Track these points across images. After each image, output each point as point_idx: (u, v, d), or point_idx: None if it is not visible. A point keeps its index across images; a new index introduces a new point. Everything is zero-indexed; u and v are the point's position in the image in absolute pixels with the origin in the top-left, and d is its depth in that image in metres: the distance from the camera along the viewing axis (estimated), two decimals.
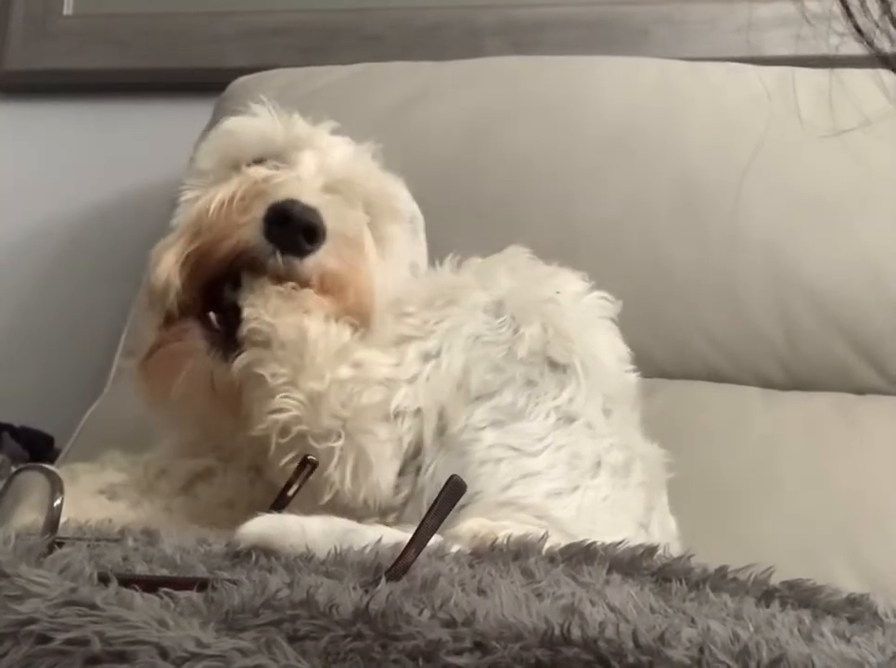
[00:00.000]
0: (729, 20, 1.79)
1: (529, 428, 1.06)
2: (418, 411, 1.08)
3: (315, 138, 1.20)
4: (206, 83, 1.84)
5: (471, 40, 1.85)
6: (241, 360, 1.08)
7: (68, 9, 2.00)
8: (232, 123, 1.22)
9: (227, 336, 1.10)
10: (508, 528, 0.95)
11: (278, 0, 1.94)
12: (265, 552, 0.78)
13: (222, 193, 1.11)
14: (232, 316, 1.09)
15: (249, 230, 1.08)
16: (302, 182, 1.13)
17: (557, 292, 1.17)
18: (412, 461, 1.09)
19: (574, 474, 1.05)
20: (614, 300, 1.21)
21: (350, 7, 1.91)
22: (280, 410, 1.06)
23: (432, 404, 1.09)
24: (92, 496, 1.15)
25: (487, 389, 1.08)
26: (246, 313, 1.08)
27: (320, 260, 1.10)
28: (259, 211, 1.09)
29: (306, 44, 1.89)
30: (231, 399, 1.10)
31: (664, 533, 1.14)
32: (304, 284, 1.10)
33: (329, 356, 1.08)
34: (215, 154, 1.21)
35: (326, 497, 1.04)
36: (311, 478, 0.96)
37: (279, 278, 1.09)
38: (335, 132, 1.24)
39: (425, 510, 0.90)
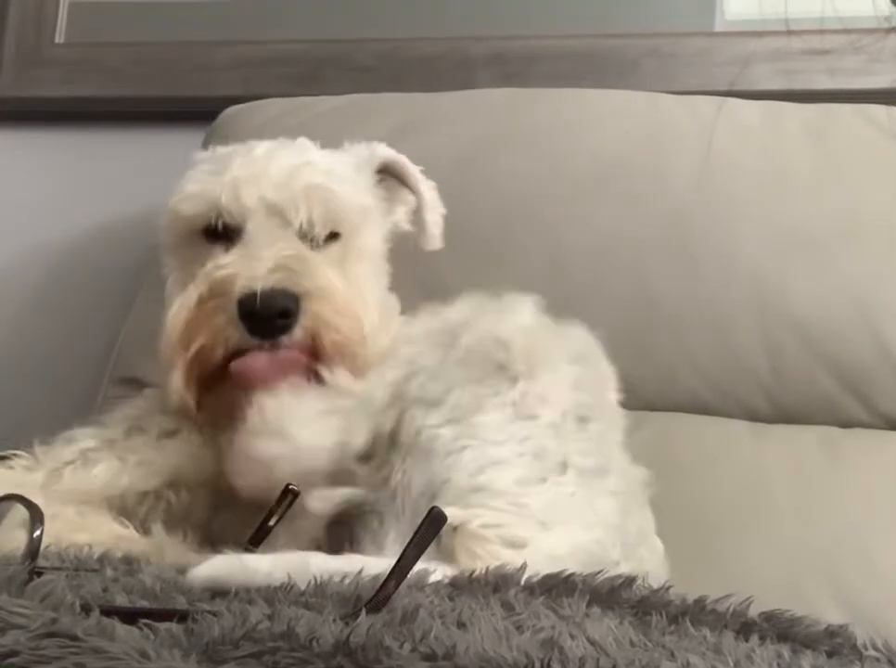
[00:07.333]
0: (719, 54, 1.80)
1: (485, 420, 1.06)
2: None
3: (261, 180, 1.24)
4: (197, 113, 1.84)
5: (463, 72, 1.85)
6: None
7: (59, 38, 2.00)
8: (176, 199, 1.27)
9: None
10: (482, 516, 0.98)
11: (270, 30, 1.94)
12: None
13: (189, 297, 1.19)
14: None
15: (231, 331, 1.17)
16: (256, 262, 1.18)
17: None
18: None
19: (541, 466, 1.05)
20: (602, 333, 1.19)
21: (341, 38, 1.92)
22: None
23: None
24: (64, 467, 1.21)
25: (429, 394, 1.08)
26: None
27: (302, 324, 1.18)
28: (230, 309, 1.17)
29: (297, 74, 1.89)
30: None
31: (652, 555, 1.15)
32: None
33: None
34: (171, 231, 1.28)
35: None
36: None
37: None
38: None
39: (400, 516, 0.93)
